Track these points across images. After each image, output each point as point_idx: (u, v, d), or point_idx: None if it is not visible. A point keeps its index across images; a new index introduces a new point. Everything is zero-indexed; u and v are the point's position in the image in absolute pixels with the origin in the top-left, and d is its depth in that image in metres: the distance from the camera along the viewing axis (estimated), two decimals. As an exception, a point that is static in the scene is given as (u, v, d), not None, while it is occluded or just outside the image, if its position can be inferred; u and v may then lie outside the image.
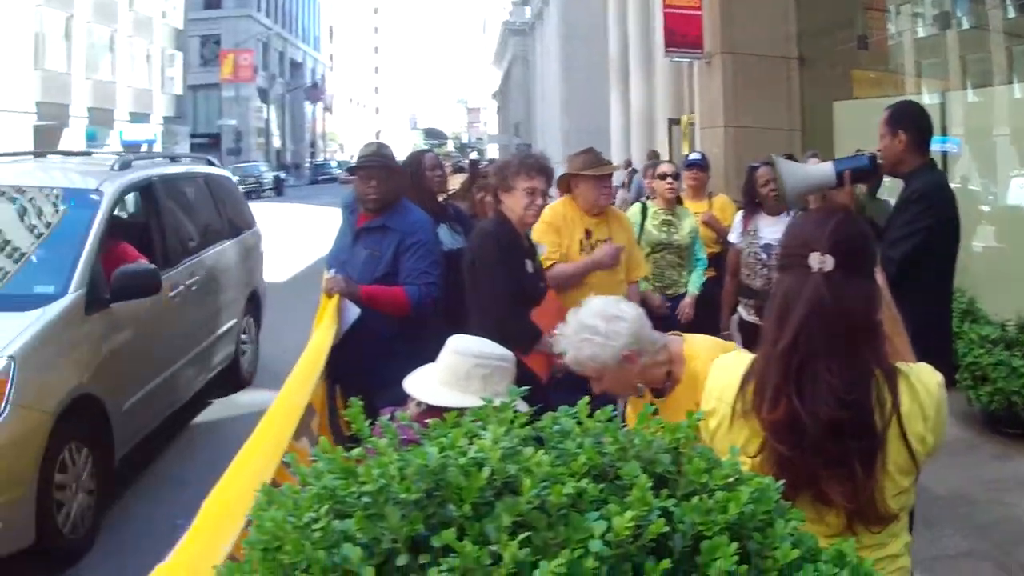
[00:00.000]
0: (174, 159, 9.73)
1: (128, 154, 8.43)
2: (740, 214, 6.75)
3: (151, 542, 5.10)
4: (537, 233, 5.32)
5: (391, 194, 5.03)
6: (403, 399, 3.30)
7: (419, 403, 3.18)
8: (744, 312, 6.49)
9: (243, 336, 9.31)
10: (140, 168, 7.56)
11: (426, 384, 3.22)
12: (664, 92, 18.52)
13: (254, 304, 10.07)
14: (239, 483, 2.96)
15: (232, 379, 8.83)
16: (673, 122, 18.01)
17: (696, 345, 3.11)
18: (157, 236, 7.34)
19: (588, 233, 5.54)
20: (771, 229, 6.29)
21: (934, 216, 4.20)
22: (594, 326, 2.96)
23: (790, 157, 5.12)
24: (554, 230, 5.37)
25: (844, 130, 12.10)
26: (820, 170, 4.64)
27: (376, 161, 5.00)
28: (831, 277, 2.13)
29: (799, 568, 1.46)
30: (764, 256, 6.29)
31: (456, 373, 3.14)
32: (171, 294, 7.03)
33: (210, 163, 10.40)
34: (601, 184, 5.58)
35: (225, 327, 8.49)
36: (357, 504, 1.51)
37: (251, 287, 9.97)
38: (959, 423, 7.12)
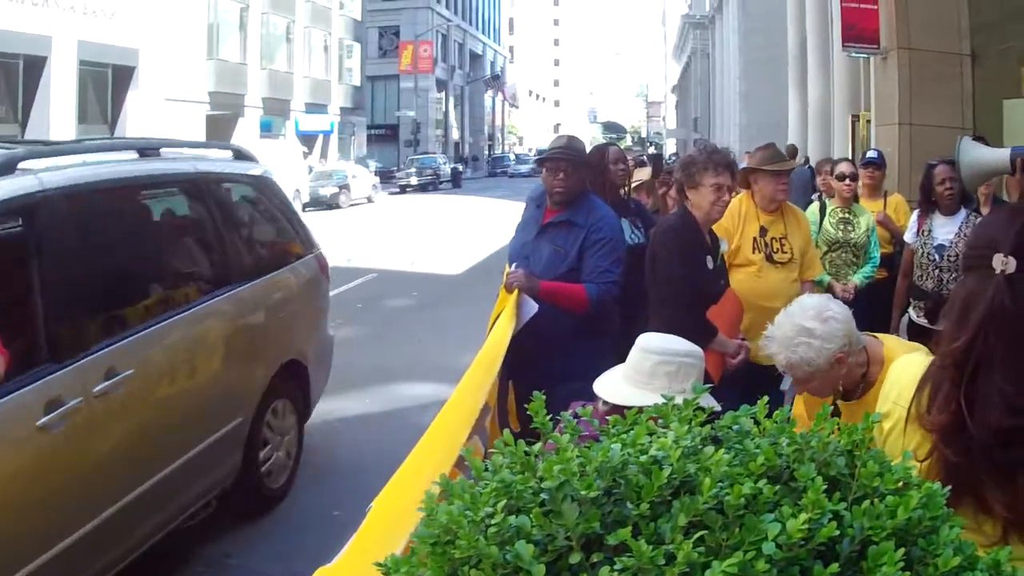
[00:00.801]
0: (143, 153, 5.45)
1: (24, 145, 5.02)
2: (915, 214, 6.66)
3: (310, 532, 5.32)
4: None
5: (578, 187, 5.02)
6: (580, 394, 3.30)
7: (604, 402, 3.17)
8: (914, 314, 6.42)
9: (268, 433, 6.02)
10: (37, 173, 4.25)
11: (611, 383, 3.23)
12: (841, 88, 18.10)
13: (295, 379, 6.45)
14: (413, 482, 2.87)
15: (244, 500, 5.81)
16: (855, 118, 17.65)
17: (895, 348, 3.09)
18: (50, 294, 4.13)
19: (763, 230, 5.54)
20: (944, 230, 6.23)
21: None
22: (811, 329, 2.96)
23: (980, 139, 5.02)
24: (722, 229, 5.30)
25: (1013, 128, 11.74)
26: (996, 154, 4.60)
27: (565, 154, 4.98)
28: (1014, 280, 2.07)
29: (958, 575, 1.45)
30: (937, 257, 6.21)
31: (640, 370, 3.15)
32: (94, 392, 4.22)
33: (240, 155, 6.79)
34: (779, 180, 5.56)
35: (218, 433, 5.33)
36: (534, 500, 1.52)
37: (288, 354, 6.32)
38: None
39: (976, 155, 4.61)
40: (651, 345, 3.19)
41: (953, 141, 4.94)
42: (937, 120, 11.29)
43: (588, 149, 5.84)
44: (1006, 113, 11.93)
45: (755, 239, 5.50)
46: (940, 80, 11.51)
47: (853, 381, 3.06)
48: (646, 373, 3.12)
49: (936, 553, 1.46)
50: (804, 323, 2.97)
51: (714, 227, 5.06)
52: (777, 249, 5.51)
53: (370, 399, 8.46)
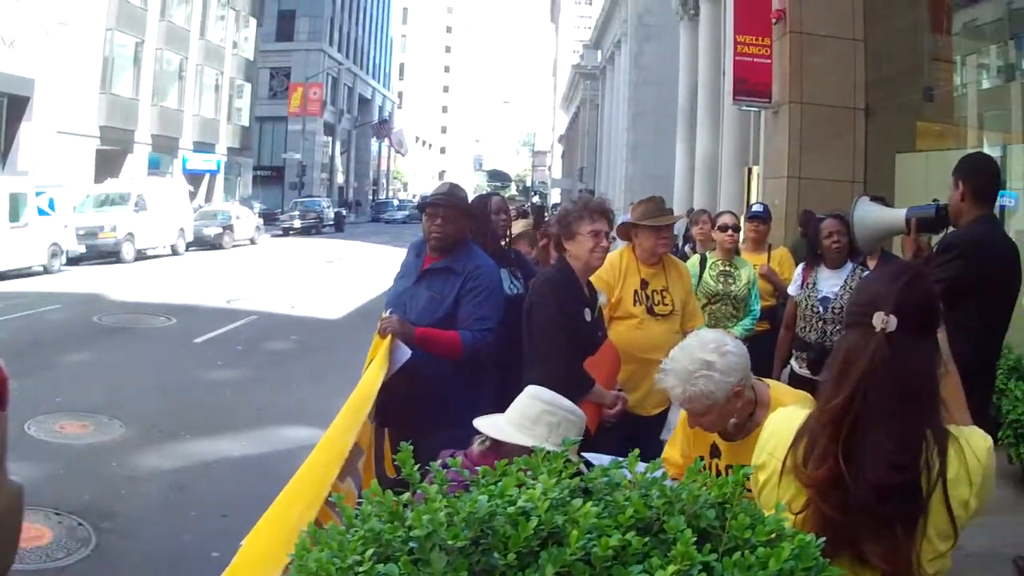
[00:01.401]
0: None
1: None
2: (801, 266, 6.76)
3: (181, 566, 5.20)
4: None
5: (456, 234, 5.02)
6: (452, 443, 3.33)
7: (483, 440, 3.23)
8: (796, 365, 6.46)
9: None
10: None
11: (494, 422, 3.27)
12: (730, 141, 18.52)
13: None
14: (281, 522, 2.95)
15: None
16: (750, 171, 18.06)
17: (782, 391, 3.17)
18: None
19: (644, 283, 5.56)
20: (830, 283, 6.32)
21: (957, 269, 4.18)
22: (711, 361, 2.96)
23: (879, 199, 5.11)
24: (603, 283, 5.34)
25: (906, 182, 12.00)
26: (892, 215, 4.71)
27: (444, 200, 4.99)
28: (894, 338, 2.12)
29: None
30: (821, 309, 6.28)
31: (526, 415, 3.19)
32: None
33: None
34: (660, 234, 5.58)
35: None
36: (403, 549, 1.52)
37: None
38: (999, 480, 7.01)
39: (872, 216, 4.69)
40: (540, 394, 3.26)
41: (844, 194, 5.05)
42: (828, 174, 11.53)
43: (472, 197, 5.93)
44: (899, 167, 12.20)
45: (636, 292, 5.53)
46: (832, 134, 11.75)
47: (743, 418, 3.08)
48: (530, 419, 3.17)
49: None
50: (703, 356, 2.97)
51: (595, 280, 5.10)
52: (658, 301, 5.54)
53: (248, 442, 8.48)
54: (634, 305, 5.50)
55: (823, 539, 1.70)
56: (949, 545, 2.17)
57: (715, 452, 3.03)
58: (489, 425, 3.25)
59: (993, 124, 12.63)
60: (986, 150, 11.64)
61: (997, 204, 9.85)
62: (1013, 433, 7.18)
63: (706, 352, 2.97)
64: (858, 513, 2.07)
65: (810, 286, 6.41)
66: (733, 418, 3.05)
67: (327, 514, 3.05)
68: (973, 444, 2.20)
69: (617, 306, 5.47)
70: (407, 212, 66.32)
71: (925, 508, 2.10)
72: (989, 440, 2.27)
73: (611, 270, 5.46)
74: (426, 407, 4.67)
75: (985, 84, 13.12)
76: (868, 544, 2.08)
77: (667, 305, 5.56)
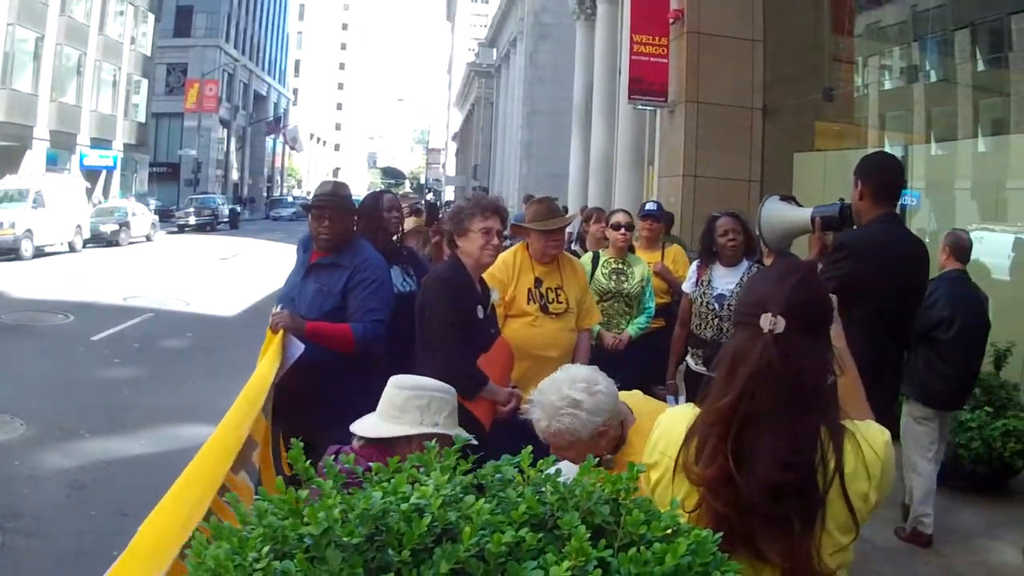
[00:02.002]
0: None
1: None
2: (695, 263, 6.75)
3: (84, 567, 5.13)
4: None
5: (344, 233, 5.04)
6: (347, 439, 3.33)
7: (359, 439, 3.23)
8: (692, 362, 6.49)
9: None
10: None
11: (365, 422, 3.26)
12: (625, 140, 18.59)
13: None
14: (173, 514, 2.98)
15: None
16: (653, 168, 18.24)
17: (640, 404, 3.23)
18: None
19: (538, 281, 5.58)
20: (725, 280, 6.33)
21: (848, 268, 4.21)
22: (579, 400, 2.95)
23: (789, 199, 5.17)
24: (496, 282, 5.38)
25: (804, 181, 12.23)
26: (798, 214, 4.73)
27: (330, 201, 4.99)
28: (782, 339, 2.12)
29: None
30: (716, 307, 6.30)
31: (393, 404, 3.19)
32: None
33: None
34: (551, 237, 5.60)
35: None
36: (300, 546, 1.51)
37: None
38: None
39: (778, 215, 4.71)
40: (402, 381, 3.26)
41: (740, 193, 5.07)
42: (724, 172, 11.64)
43: (366, 194, 6.04)
44: (797, 166, 12.38)
45: (530, 290, 5.54)
46: (729, 133, 11.86)
47: (612, 445, 3.09)
48: (398, 407, 3.17)
49: None
50: (572, 394, 2.96)
51: (489, 278, 5.15)
52: (552, 299, 5.56)
53: (146, 440, 8.46)
54: (528, 303, 5.51)
55: (721, 534, 1.70)
56: (851, 538, 2.18)
57: None
58: (361, 427, 3.25)
59: (895, 124, 12.92)
60: (888, 150, 11.90)
61: (900, 203, 10.15)
62: None
63: (575, 390, 2.97)
64: (752, 511, 2.07)
65: (705, 283, 6.43)
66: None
67: (221, 507, 3.04)
68: (870, 438, 2.21)
69: (511, 304, 5.48)
70: (293, 210, 66.14)
71: (823, 503, 2.10)
72: (887, 434, 2.27)
73: (505, 268, 5.49)
74: (318, 403, 4.66)
75: (888, 85, 13.40)
76: (764, 541, 2.08)
77: (561, 303, 5.58)
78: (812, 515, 2.09)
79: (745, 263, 6.36)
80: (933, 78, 12.48)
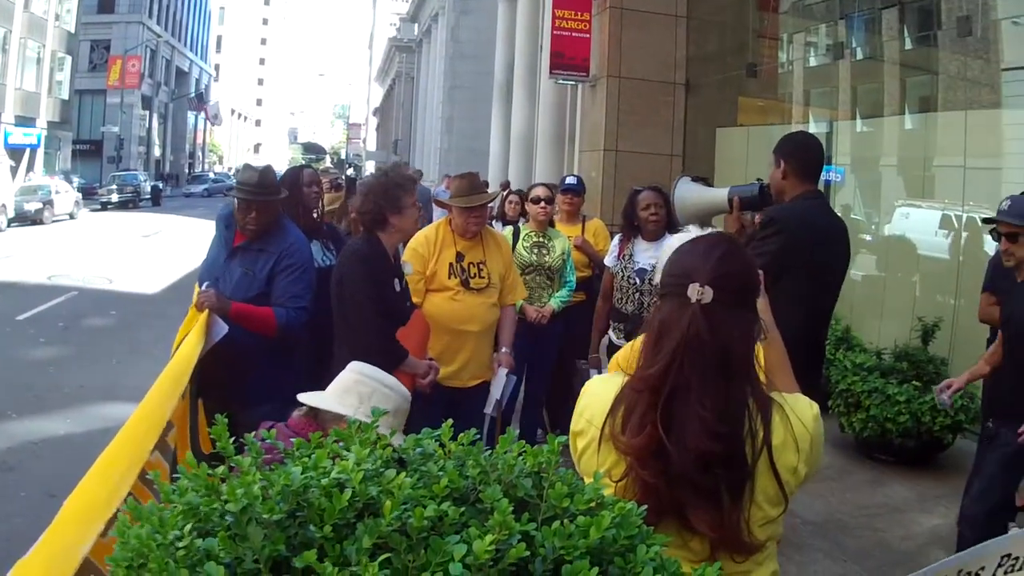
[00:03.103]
0: None
1: None
2: (617, 237, 6.76)
3: (15, 549, 5.08)
4: (406, 255, 5.41)
5: (270, 220, 5.03)
6: (269, 417, 3.37)
7: (300, 406, 3.30)
8: (614, 336, 6.49)
9: None
10: None
11: (315, 393, 3.30)
12: (546, 115, 18.59)
13: None
14: (96, 492, 2.99)
15: None
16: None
17: None
18: None
19: (460, 256, 5.59)
20: (647, 254, 6.32)
21: (778, 243, 4.23)
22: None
23: (701, 180, 5.16)
24: (418, 257, 5.42)
25: (726, 156, 12.33)
26: (714, 194, 4.74)
27: (256, 192, 4.96)
28: (709, 309, 2.11)
29: None
30: (637, 281, 6.30)
31: (341, 383, 3.24)
32: None
33: None
34: (472, 213, 5.59)
35: None
36: (221, 523, 1.50)
37: None
38: (832, 449, 7.35)
39: (693, 195, 4.72)
40: (359, 367, 3.29)
41: (662, 167, 5.04)
42: (645, 147, 11.69)
43: (287, 169, 6.09)
44: (719, 141, 12.44)
45: (451, 264, 5.56)
46: (651, 108, 11.91)
47: None
48: (343, 388, 3.22)
49: (635, 571, 1.48)
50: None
51: (410, 252, 5.23)
52: (474, 274, 5.59)
53: (72, 420, 8.44)
54: (449, 278, 5.53)
55: (646, 506, 1.69)
56: (780, 511, 2.18)
57: None
58: (305, 395, 3.30)
59: (820, 101, 13.00)
60: (812, 126, 11.99)
61: (823, 179, 10.24)
62: (843, 402, 7.44)
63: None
64: (681, 481, 2.06)
65: (627, 257, 6.43)
66: None
67: (141, 490, 3.06)
68: (799, 411, 2.22)
69: (432, 278, 5.50)
70: (205, 186, 66.86)
71: (751, 475, 2.10)
72: (815, 407, 2.28)
73: (427, 243, 5.50)
74: (242, 381, 4.70)
75: (813, 62, 13.50)
76: (693, 511, 2.08)
77: (483, 278, 5.61)
78: (740, 486, 2.09)
79: (667, 237, 6.19)
80: (860, 56, 12.55)
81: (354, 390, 3.19)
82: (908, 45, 11.73)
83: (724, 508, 2.06)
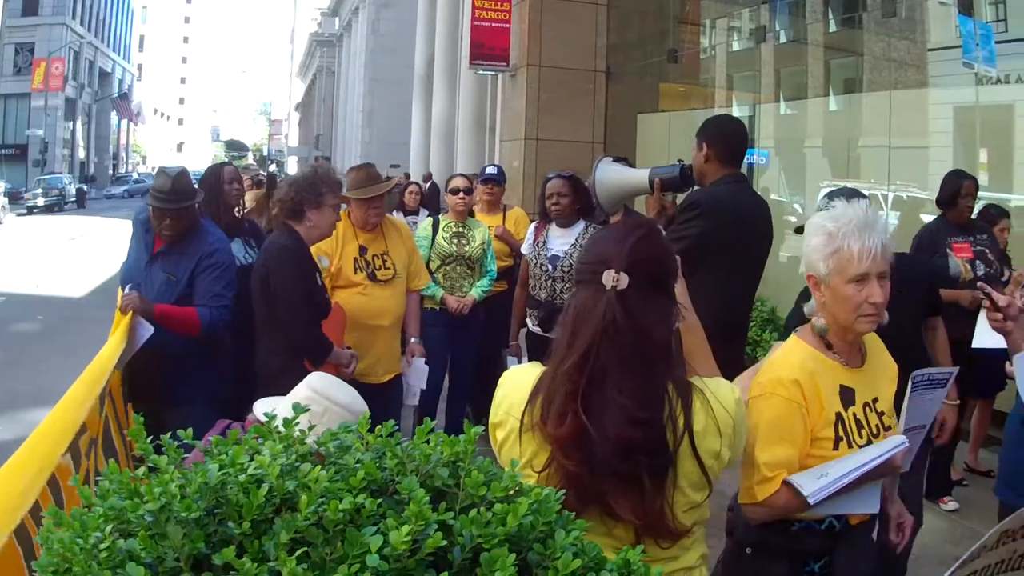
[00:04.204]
0: None
1: None
2: (533, 225, 6.79)
3: None
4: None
5: (188, 226, 5.02)
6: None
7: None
8: (530, 323, 6.49)
9: None
10: None
11: (271, 399, 3.20)
12: (467, 105, 18.68)
13: None
14: (5, 494, 2.93)
15: None
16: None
17: None
18: None
19: (363, 249, 5.58)
20: (560, 241, 6.33)
21: (700, 227, 4.24)
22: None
23: (622, 160, 5.13)
24: (322, 253, 5.39)
25: (647, 142, 12.38)
26: (635, 175, 4.73)
27: (169, 200, 4.92)
28: (625, 295, 2.11)
29: None
30: (550, 267, 6.28)
31: (294, 396, 3.13)
32: None
33: None
34: (371, 204, 5.57)
35: None
36: (142, 523, 1.50)
37: None
38: None
39: (612, 177, 4.70)
40: (311, 380, 3.17)
41: (583, 155, 5.01)
42: (566, 135, 11.71)
43: (207, 167, 6.13)
44: (640, 127, 12.46)
45: (356, 259, 5.54)
46: (571, 96, 11.94)
47: None
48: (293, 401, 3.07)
49: (554, 557, 1.49)
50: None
51: (315, 250, 5.13)
52: (380, 266, 5.58)
53: (3, 426, 8.35)
54: (355, 273, 5.51)
55: (566, 493, 1.68)
56: (704, 495, 2.19)
57: (848, 398, 2.90)
58: (263, 404, 3.15)
59: (743, 85, 13.10)
60: (735, 110, 12.05)
61: (747, 162, 10.27)
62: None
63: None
64: (603, 469, 2.06)
65: (540, 245, 6.43)
66: None
67: (47, 495, 3.04)
68: (720, 395, 2.22)
69: (338, 275, 5.46)
70: (127, 187, 67.11)
71: (673, 461, 2.10)
72: (737, 391, 2.29)
73: (329, 240, 5.42)
74: (168, 382, 4.72)
75: (736, 47, 13.60)
76: (616, 499, 2.07)
77: (389, 269, 5.59)
78: (663, 473, 2.09)
79: (581, 224, 6.34)
80: (783, 39, 12.67)
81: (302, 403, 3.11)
82: (832, 27, 11.86)
83: (647, 495, 2.07)
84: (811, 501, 2.55)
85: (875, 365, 2.95)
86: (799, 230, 4.69)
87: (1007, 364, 3.12)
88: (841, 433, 2.75)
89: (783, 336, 4.66)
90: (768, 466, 2.67)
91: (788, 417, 2.70)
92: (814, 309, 2.91)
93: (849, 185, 9.85)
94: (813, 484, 2.59)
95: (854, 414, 2.79)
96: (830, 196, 4.34)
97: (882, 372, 2.95)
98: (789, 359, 2.85)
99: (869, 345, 2.96)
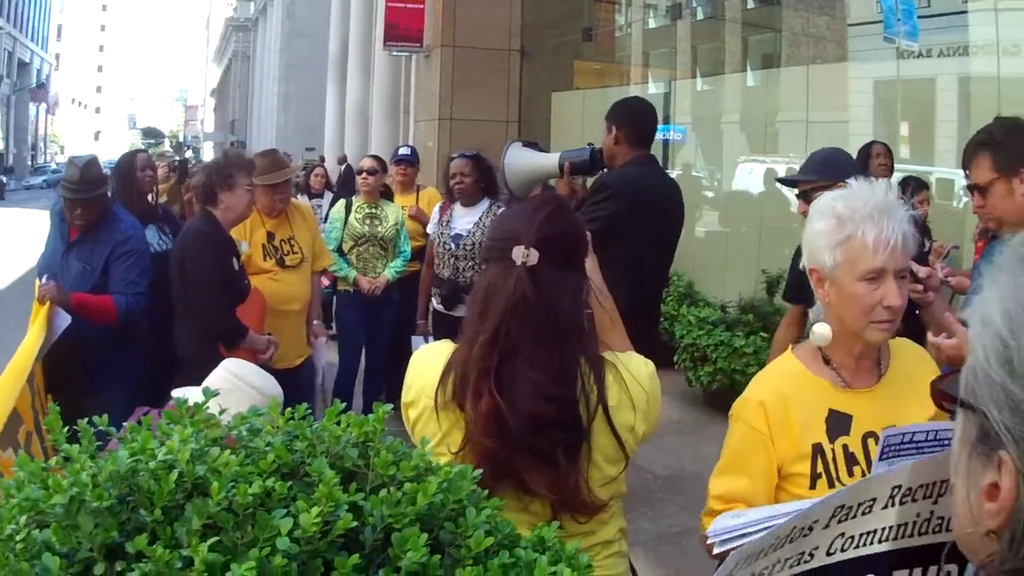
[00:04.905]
0: None
1: None
2: (439, 204, 6.82)
3: None
4: None
5: (100, 213, 5.03)
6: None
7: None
8: (435, 301, 6.51)
9: None
10: None
11: (188, 388, 3.06)
12: (381, 87, 18.63)
13: None
14: None
15: None
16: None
17: None
18: None
19: (271, 235, 5.62)
20: (464, 220, 6.36)
21: (610, 208, 4.25)
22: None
23: (532, 144, 5.13)
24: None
25: (562, 120, 12.49)
26: (545, 159, 4.74)
27: (78, 189, 4.93)
28: (536, 271, 2.10)
29: (496, 554, 1.48)
30: (453, 246, 6.30)
31: (211, 382, 3.10)
32: None
33: None
34: (277, 190, 5.60)
35: None
36: (56, 514, 1.47)
37: None
38: (682, 404, 7.46)
39: (521, 161, 4.70)
40: (232, 366, 3.16)
41: (498, 134, 4.99)
42: (481, 115, 11.72)
43: (121, 155, 6.22)
44: (555, 105, 12.52)
45: (264, 245, 5.58)
46: (486, 76, 11.94)
47: None
48: (212, 383, 3.11)
49: (466, 535, 1.49)
50: None
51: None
52: (287, 251, 5.63)
53: None
54: (264, 259, 5.55)
55: (480, 471, 1.66)
56: (620, 469, 2.19)
57: (839, 427, 2.39)
58: (181, 391, 3.02)
59: (659, 62, 13.21)
60: (651, 87, 12.15)
61: (663, 138, 10.36)
62: (689, 357, 7.52)
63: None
64: (517, 445, 2.05)
65: (444, 224, 6.45)
66: None
67: None
68: (633, 369, 2.21)
69: (248, 263, 5.44)
70: (45, 177, 66.28)
71: (587, 436, 2.09)
72: (650, 364, 2.28)
73: (238, 227, 5.40)
74: (87, 370, 4.74)
75: (652, 24, 13.68)
76: (531, 474, 2.07)
77: (296, 254, 5.65)
78: (577, 447, 2.09)
79: (485, 203, 6.39)
80: (700, 16, 12.75)
81: (218, 387, 3.04)
82: (750, 4, 11.97)
83: (561, 470, 2.06)
84: (710, 540, 1.93)
85: (901, 384, 2.39)
86: (783, 181, 4.72)
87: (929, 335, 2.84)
88: (820, 469, 2.31)
89: (787, 294, 4.65)
90: (718, 498, 2.42)
91: (748, 445, 2.39)
92: (820, 314, 2.41)
93: (768, 160, 10.01)
94: (724, 523, 1.95)
95: (845, 446, 2.31)
96: None
97: (914, 393, 2.31)
98: (768, 376, 2.52)
99: (898, 358, 2.47)
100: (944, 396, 1.10)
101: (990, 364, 0.96)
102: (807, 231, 2.37)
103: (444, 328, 5.97)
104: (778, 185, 8.47)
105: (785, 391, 2.37)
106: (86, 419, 1.74)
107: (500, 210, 5.94)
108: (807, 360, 2.43)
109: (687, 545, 5.15)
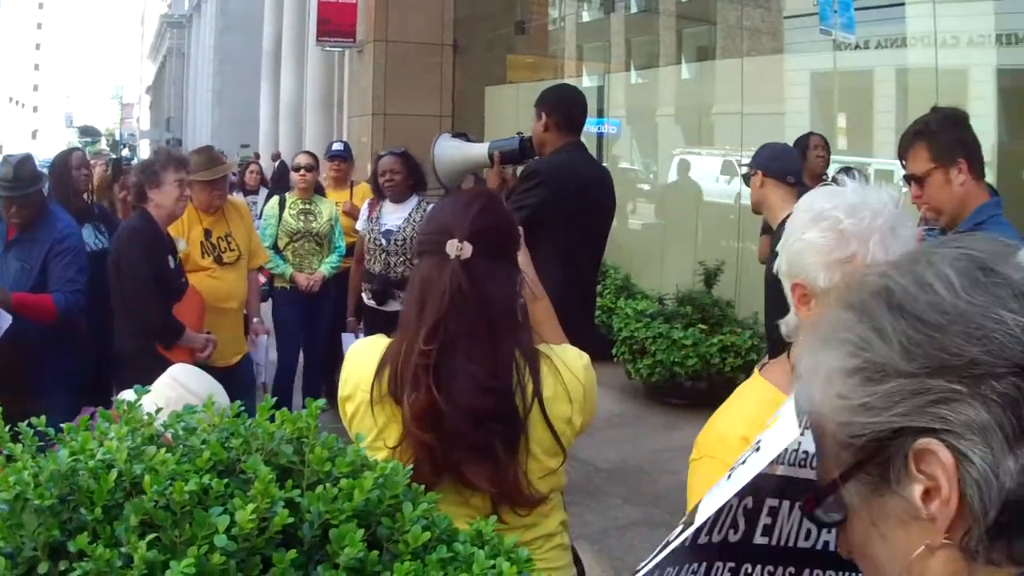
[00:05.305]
0: None
1: None
2: (368, 201, 6.84)
3: None
4: None
5: (36, 210, 5.03)
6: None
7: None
8: (365, 297, 6.48)
9: None
10: None
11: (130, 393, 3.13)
12: (315, 83, 18.79)
13: None
14: None
15: None
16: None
17: None
18: None
19: (208, 232, 5.57)
20: (393, 216, 6.38)
21: (539, 196, 4.24)
22: None
23: (461, 135, 5.11)
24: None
25: (495, 114, 12.50)
26: (475, 149, 4.74)
27: (11, 189, 4.93)
28: (470, 264, 2.10)
29: (434, 549, 1.49)
30: (383, 242, 6.31)
31: (155, 388, 3.01)
32: None
33: None
34: (214, 187, 5.57)
35: None
36: (0, 512, 1.48)
37: None
38: (621, 396, 7.42)
39: (450, 152, 4.71)
40: (177, 371, 3.15)
41: (431, 129, 4.98)
42: (414, 110, 11.70)
43: (56, 154, 6.25)
44: (488, 100, 12.55)
45: (202, 243, 5.54)
46: (419, 71, 11.93)
47: None
48: (155, 390, 2.99)
49: (403, 530, 1.50)
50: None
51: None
52: (225, 248, 5.59)
53: None
54: (202, 257, 5.50)
55: (421, 465, 1.71)
56: (558, 461, 2.19)
57: None
58: (125, 393, 3.10)
59: (593, 55, 13.24)
60: (585, 80, 12.14)
61: (597, 132, 10.35)
62: (628, 349, 7.48)
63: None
64: (455, 439, 2.06)
65: (374, 220, 6.47)
66: None
67: None
68: (568, 361, 2.22)
69: (186, 260, 5.41)
70: None
71: (525, 428, 2.10)
72: (585, 356, 2.28)
73: (175, 224, 5.37)
74: (28, 370, 4.74)
75: (586, 17, 13.72)
76: (470, 468, 2.07)
77: (234, 251, 5.61)
78: (515, 440, 2.09)
79: (414, 199, 6.44)
80: (634, 9, 12.81)
81: (163, 393, 3.00)
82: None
83: (500, 463, 2.07)
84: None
85: None
86: (747, 178, 4.73)
87: None
88: None
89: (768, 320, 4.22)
90: None
91: None
92: (793, 328, 1.99)
93: (704, 152, 10.05)
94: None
95: None
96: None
97: None
98: (740, 408, 2.13)
99: None
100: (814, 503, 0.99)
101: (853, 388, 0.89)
102: (791, 236, 1.93)
103: (376, 324, 5.93)
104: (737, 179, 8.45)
105: (766, 420, 2.01)
106: (26, 421, 1.73)
107: (430, 206, 5.97)
108: (781, 383, 2.04)
109: (632, 538, 5.19)
